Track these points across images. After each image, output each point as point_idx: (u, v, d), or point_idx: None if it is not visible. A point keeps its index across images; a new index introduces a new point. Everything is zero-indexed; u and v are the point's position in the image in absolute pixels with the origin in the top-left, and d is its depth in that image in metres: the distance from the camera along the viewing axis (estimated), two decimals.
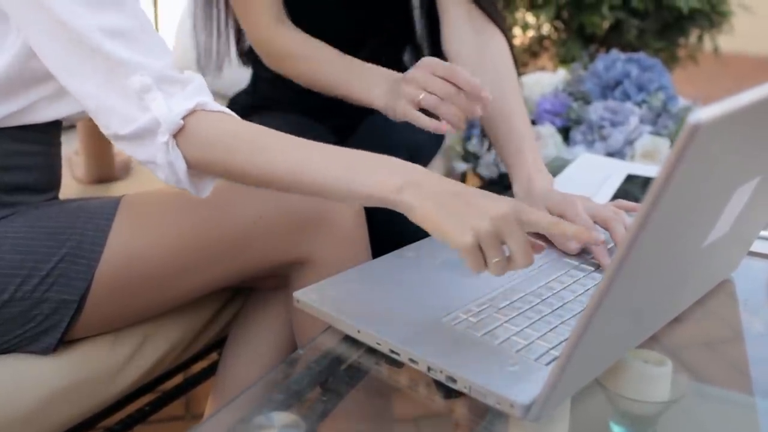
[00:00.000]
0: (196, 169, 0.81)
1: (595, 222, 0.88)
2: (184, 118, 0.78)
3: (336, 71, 1.09)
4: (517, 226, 0.69)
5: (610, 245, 0.89)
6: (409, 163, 0.76)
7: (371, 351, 0.72)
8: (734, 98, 0.48)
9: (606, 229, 0.88)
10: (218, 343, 1.13)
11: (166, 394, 1.19)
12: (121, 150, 0.81)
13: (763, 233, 0.97)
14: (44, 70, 0.84)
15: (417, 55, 1.50)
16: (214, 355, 1.23)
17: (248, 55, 1.48)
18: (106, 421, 1.03)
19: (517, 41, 2.68)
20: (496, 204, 0.70)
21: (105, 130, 0.79)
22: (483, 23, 1.18)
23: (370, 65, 1.09)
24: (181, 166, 0.79)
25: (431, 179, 0.74)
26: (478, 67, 1.16)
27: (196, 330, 1.04)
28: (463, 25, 1.19)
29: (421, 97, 0.96)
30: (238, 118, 0.82)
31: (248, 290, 1.09)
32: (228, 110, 0.82)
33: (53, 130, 0.93)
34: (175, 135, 0.78)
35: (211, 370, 1.27)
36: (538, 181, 1.01)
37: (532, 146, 1.06)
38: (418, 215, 0.72)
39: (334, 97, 1.11)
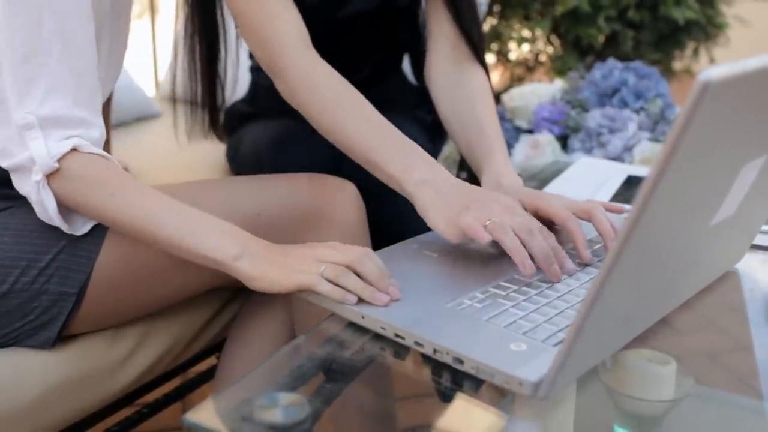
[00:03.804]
0: (65, 206, 0.82)
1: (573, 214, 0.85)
2: (59, 160, 0.79)
3: (367, 132, 0.92)
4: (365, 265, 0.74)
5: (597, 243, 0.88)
6: (248, 235, 0.80)
7: (374, 338, 0.71)
8: (744, 61, 0.47)
9: (588, 220, 0.85)
10: (217, 346, 1.12)
11: (165, 396, 1.18)
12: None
13: (765, 227, 0.97)
14: None
15: (415, 62, 1.50)
16: (212, 359, 1.21)
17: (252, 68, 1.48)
18: (103, 422, 1.02)
19: (513, 56, 2.69)
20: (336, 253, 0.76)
21: None
22: (466, 58, 1.19)
23: (409, 140, 0.92)
24: (51, 205, 0.80)
25: (269, 248, 0.79)
26: (454, 96, 1.16)
27: (196, 329, 1.03)
28: (446, 57, 1.20)
29: (487, 222, 0.79)
30: (114, 162, 0.84)
31: (248, 291, 1.08)
32: (106, 154, 0.83)
33: None
34: (49, 175, 0.79)
35: (209, 374, 1.26)
36: (508, 176, 0.99)
37: (503, 149, 1.05)
38: (256, 285, 0.78)
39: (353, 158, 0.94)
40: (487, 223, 0.78)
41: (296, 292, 0.77)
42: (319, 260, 0.76)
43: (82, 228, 0.85)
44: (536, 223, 0.80)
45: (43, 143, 0.78)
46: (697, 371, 0.72)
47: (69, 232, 0.84)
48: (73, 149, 0.80)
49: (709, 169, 0.55)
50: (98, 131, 0.83)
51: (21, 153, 0.79)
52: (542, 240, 0.78)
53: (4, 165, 0.81)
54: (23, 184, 0.81)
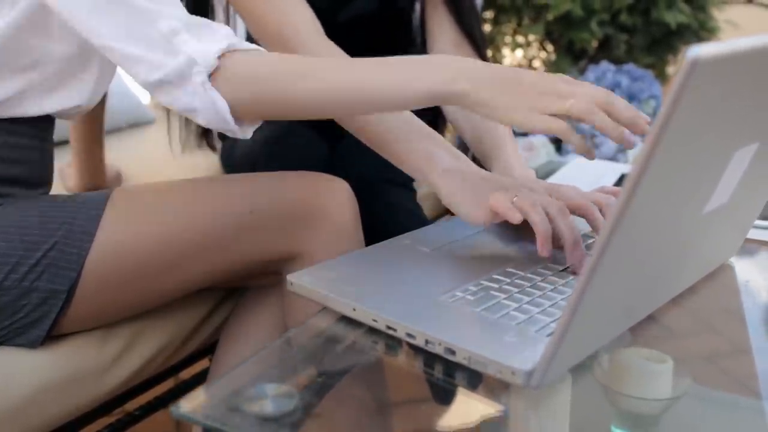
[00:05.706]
0: (238, 111, 0.79)
1: None
2: (218, 59, 0.77)
3: (388, 122, 0.91)
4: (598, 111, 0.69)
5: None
6: (460, 58, 0.77)
7: (367, 332, 0.70)
8: (736, 40, 0.47)
9: (600, 209, 0.84)
10: (210, 348, 1.11)
11: (157, 399, 1.17)
12: (158, 100, 0.80)
13: (759, 222, 0.97)
14: (36, 52, 0.84)
15: None
16: (205, 362, 1.21)
17: None
18: (95, 424, 1.01)
19: (507, 61, 2.70)
20: (569, 88, 0.70)
21: (136, 80, 0.78)
22: (470, 57, 1.18)
23: (430, 130, 0.91)
24: (222, 105, 0.77)
25: (489, 67, 0.74)
26: None
27: (187, 330, 1.03)
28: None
29: (515, 198, 0.79)
30: (272, 54, 0.81)
31: (240, 291, 1.08)
32: (262, 48, 0.81)
33: (45, 126, 0.92)
34: (211, 76, 0.76)
35: (202, 377, 1.25)
36: (519, 169, 0.98)
37: (512, 143, 1.04)
38: (488, 113, 0.73)
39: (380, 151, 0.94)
40: (515, 198, 0.78)
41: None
42: (560, 96, 0.70)
43: (249, 131, 0.83)
44: (565, 208, 0.80)
45: (198, 43, 0.76)
46: (694, 373, 0.71)
47: (240, 136, 0.81)
48: (229, 50, 0.77)
49: (699, 154, 0.55)
50: (236, 36, 0.81)
51: (173, 59, 0.75)
52: (572, 221, 0.78)
53: (155, 78, 0.76)
54: (180, 95, 0.77)
